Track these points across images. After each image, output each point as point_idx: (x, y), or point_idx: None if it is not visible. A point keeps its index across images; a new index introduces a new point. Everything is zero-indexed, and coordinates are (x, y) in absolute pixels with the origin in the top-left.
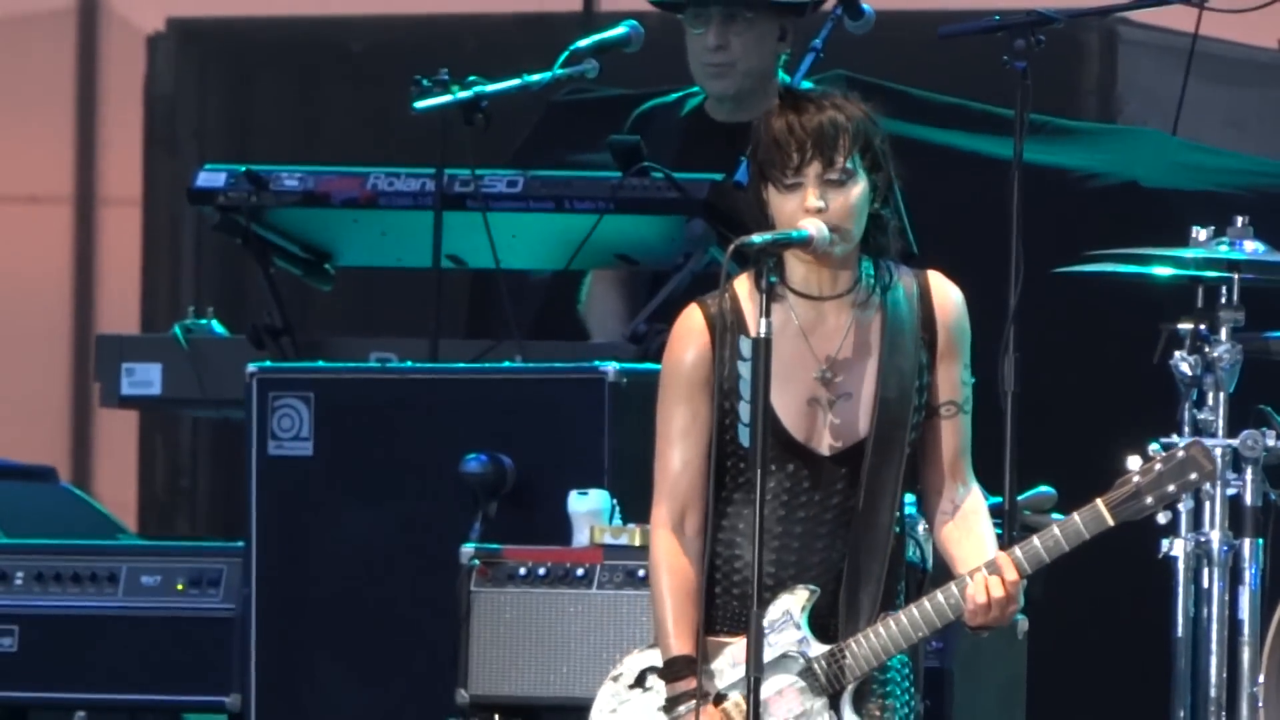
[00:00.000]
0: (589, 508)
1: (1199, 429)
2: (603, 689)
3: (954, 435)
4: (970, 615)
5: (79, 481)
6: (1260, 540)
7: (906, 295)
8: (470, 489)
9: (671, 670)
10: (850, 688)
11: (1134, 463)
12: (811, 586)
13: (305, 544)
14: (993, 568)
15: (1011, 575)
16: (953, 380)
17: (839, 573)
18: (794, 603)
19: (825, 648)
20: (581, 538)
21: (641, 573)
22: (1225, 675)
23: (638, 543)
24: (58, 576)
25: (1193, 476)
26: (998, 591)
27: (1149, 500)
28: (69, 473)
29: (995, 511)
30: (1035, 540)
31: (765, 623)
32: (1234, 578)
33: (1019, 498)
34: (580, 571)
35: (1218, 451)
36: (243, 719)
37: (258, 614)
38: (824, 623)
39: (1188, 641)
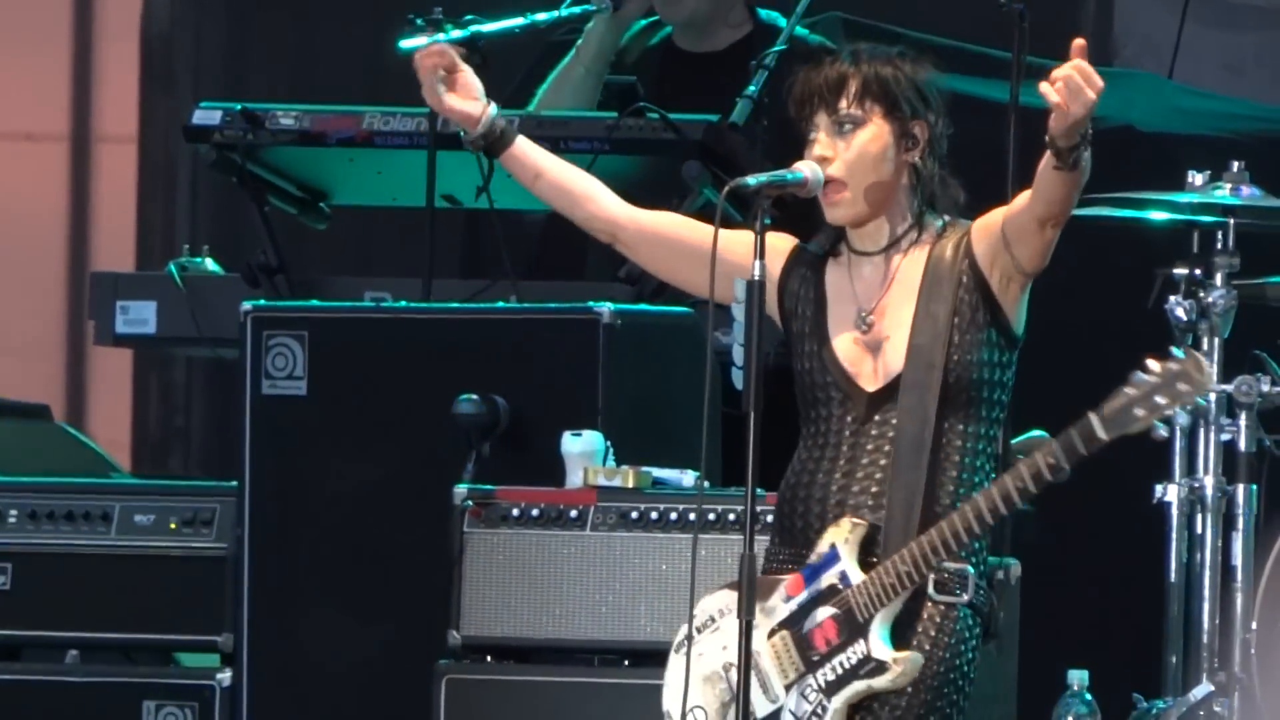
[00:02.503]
0: (582, 449)
1: None
2: (680, 631)
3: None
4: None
5: (73, 420)
6: (1254, 486)
7: (954, 246)
8: (464, 429)
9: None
10: (879, 615)
11: (1132, 376)
12: (856, 519)
13: (298, 484)
14: None
15: None
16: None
17: None
18: (838, 535)
19: (863, 577)
20: (575, 479)
21: (635, 514)
22: (1218, 621)
23: (631, 484)
24: (51, 515)
25: (1183, 388)
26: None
27: (1140, 412)
28: (63, 411)
29: None
30: (1035, 454)
31: (814, 555)
32: (1227, 524)
33: (1012, 441)
34: (574, 513)
35: (1211, 397)
36: (235, 659)
37: (250, 554)
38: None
39: (1181, 587)
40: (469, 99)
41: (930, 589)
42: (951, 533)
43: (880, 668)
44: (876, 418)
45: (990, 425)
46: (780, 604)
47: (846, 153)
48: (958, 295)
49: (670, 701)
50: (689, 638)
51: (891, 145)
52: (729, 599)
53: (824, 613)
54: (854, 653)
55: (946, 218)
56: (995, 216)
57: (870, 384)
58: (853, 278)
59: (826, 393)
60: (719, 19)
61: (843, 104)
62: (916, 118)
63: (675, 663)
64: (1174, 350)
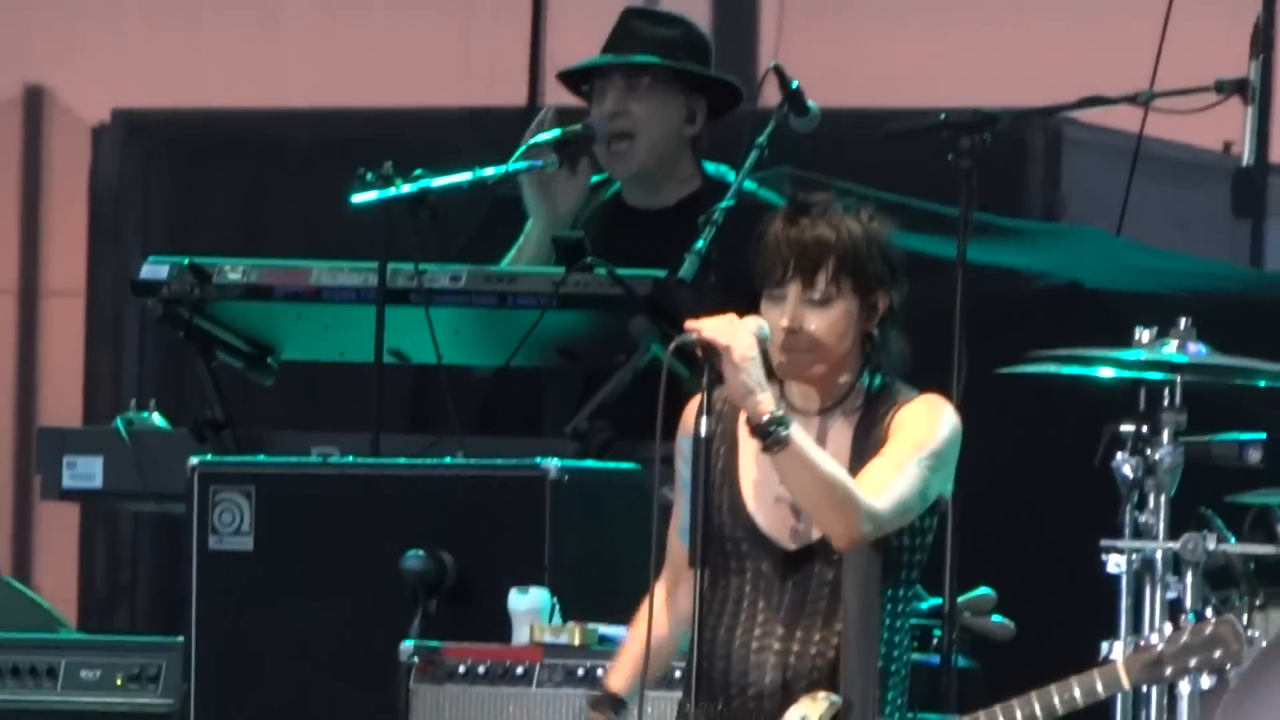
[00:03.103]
0: (529, 605)
1: (1140, 531)
2: None
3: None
4: None
5: (19, 574)
6: None
7: (882, 416)
8: (410, 585)
9: (593, 699)
10: None
11: (1166, 629)
12: (834, 697)
13: (245, 639)
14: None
15: None
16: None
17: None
18: (812, 710)
19: None
20: (521, 636)
21: (581, 671)
22: None
23: (577, 641)
24: None
25: (1218, 654)
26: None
27: (1169, 670)
28: (9, 565)
29: (935, 612)
30: (1053, 689)
31: None
32: (1172, 684)
33: (959, 599)
34: (520, 670)
35: (1158, 555)
36: None
37: (197, 710)
38: None
39: None
40: None
41: None
42: None
43: None
44: (796, 577)
45: (913, 586)
46: None
47: (814, 325)
48: None
49: None
50: None
51: (855, 320)
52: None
53: None
54: None
55: (882, 377)
56: (894, 427)
57: (789, 543)
58: None
59: (738, 547)
60: (667, 174)
61: (820, 279)
62: (881, 290)
63: None
64: (1209, 612)
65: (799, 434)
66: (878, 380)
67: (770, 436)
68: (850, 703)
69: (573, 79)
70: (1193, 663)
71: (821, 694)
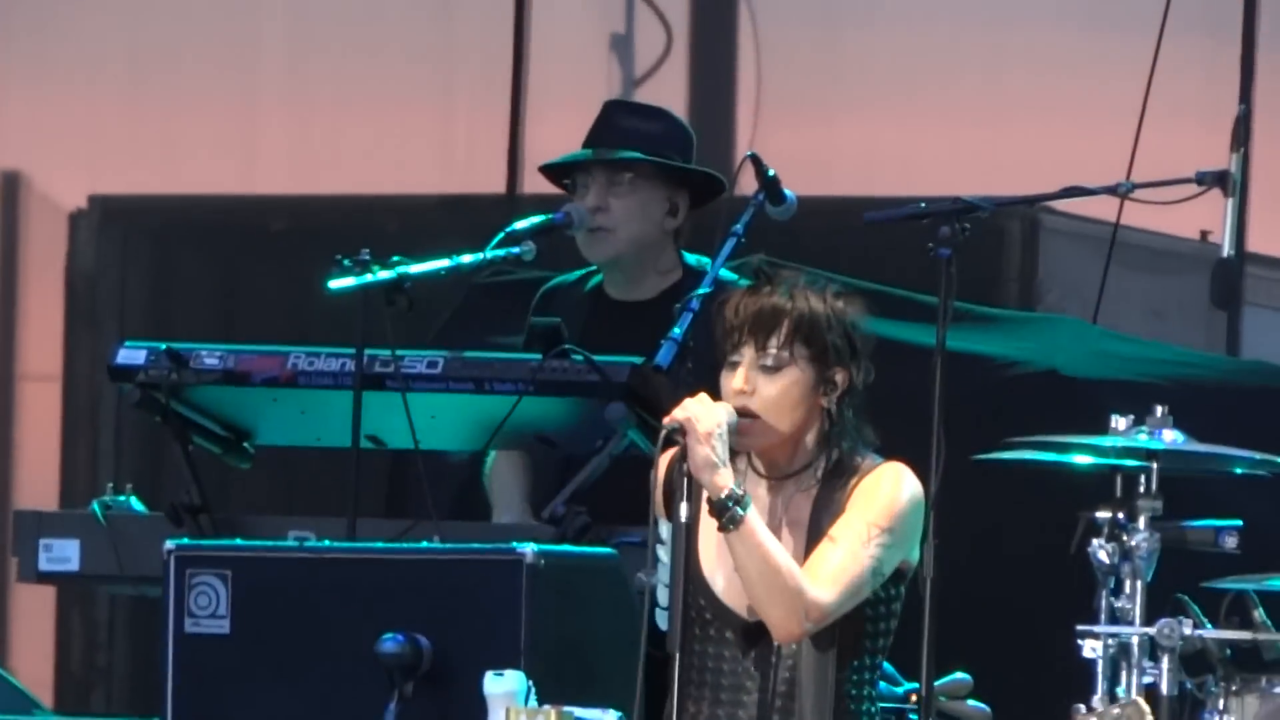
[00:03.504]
0: (505, 689)
1: (1116, 617)
2: None
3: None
4: None
5: None
6: None
7: (841, 489)
8: (386, 669)
9: None
10: None
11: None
12: None
13: None
14: None
15: None
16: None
17: None
18: None
19: None
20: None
21: None
22: None
23: None
24: None
25: None
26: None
27: None
28: None
29: (911, 697)
30: None
31: None
32: None
33: (935, 684)
34: None
35: (1134, 640)
36: None
37: None
38: None
39: None
40: None
41: None
42: None
43: None
44: (758, 648)
45: (878, 654)
46: None
47: (766, 391)
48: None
49: None
50: None
51: (810, 391)
52: None
53: None
54: None
55: (845, 446)
56: (853, 500)
57: (748, 615)
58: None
59: (702, 615)
60: (648, 266)
61: (772, 344)
62: (839, 364)
63: None
64: (1119, 691)
65: (755, 518)
66: (836, 453)
67: (726, 514)
68: None
69: (554, 172)
70: None
71: None
